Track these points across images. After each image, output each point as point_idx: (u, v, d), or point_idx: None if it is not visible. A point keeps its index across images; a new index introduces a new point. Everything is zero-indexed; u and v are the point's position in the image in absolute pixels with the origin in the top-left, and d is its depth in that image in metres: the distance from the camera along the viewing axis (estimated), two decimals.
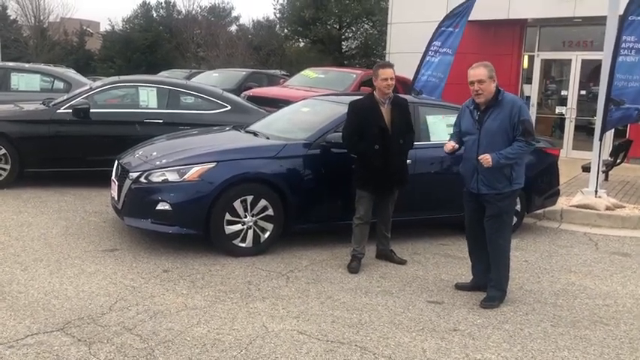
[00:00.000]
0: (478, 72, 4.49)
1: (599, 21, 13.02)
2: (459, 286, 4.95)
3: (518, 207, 6.60)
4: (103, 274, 4.74)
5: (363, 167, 5.16)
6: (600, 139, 8.07)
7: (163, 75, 17.84)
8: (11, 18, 36.27)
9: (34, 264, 4.86)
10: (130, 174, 5.40)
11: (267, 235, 5.42)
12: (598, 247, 6.52)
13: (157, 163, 5.39)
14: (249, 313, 4.15)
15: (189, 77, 15.65)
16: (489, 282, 4.72)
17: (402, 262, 5.44)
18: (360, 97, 5.42)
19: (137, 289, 4.46)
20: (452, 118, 6.35)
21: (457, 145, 4.80)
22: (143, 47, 32.76)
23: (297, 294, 4.56)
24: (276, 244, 5.54)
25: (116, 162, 5.93)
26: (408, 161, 5.67)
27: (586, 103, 13.81)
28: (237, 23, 40.40)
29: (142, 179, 5.30)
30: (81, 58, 35.70)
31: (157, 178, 5.26)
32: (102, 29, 41.43)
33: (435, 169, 6.16)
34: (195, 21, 36.79)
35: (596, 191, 8.06)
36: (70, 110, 7.51)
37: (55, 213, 6.46)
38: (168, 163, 5.34)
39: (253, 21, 39.80)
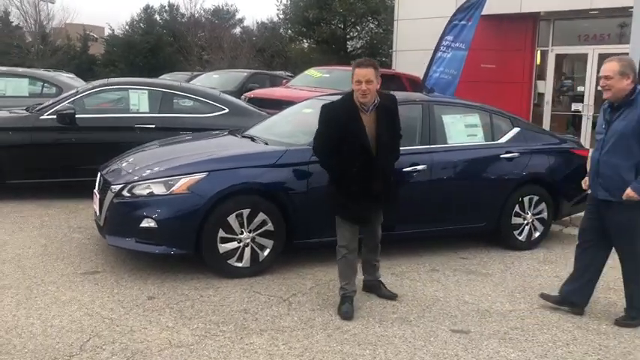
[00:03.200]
0: (608, 66, 4.01)
1: (617, 13, 12.46)
2: (545, 296, 4.51)
3: (544, 215, 6.01)
4: (79, 302, 4.15)
5: (338, 191, 4.13)
6: None
7: (165, 78, 17.30)
8: (13, 24, 35.91)
9: (1, 292, 4.28)
10: (112, 187, 4.81)
11: (266, 253, 4.81)
12: None
13: (142, 174, 4.80)
14: (244, 351, 3.54)
15: (190, 80, 15.11)
16: (628, 299, 4.23)
17: (392, 297, 4.45)
18: (337, 98, 4.33)
19: (116, 322, 3.86)
20: (470, 118, 5.81)
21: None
22: (145, 51, 32.29)
23: (301, 325, 3.95)
24: (276, 262, 4.94)
25: (99, 173, 5.35)
26: (416, 168, 5.16)
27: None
28: (241, 25, 39.96)
29: (125, 192, 4.70)
30: (84, 63, 35.27)
31: (141, 191, 4.66)
32: (106, 34, 41.07)
33: (453, 175, 5.52)
34: (199, 24, 36.32)
35: None
36: (55, 116, 6.94)
37: (35, 229, 5.88)
38: (153, 174, 4.74)
39: (257, 23, 39.30)
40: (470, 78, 11.29)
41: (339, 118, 4.06)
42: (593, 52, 13.05)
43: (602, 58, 12.96)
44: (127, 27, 37.61)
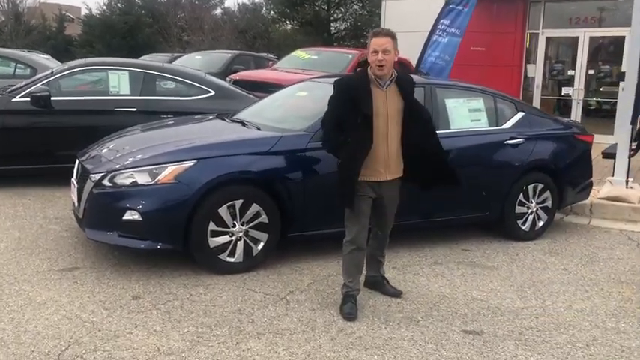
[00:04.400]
0: None
1: None
2: None
3: (548, 203, 5.75)
4: (57, 304, 3.78)
5: (343, 174, 3.73)
6: (632, 123, 7.17)
7: (145, 59, 16.71)
8: None
9: None
10: (92, 175, 4.41)
11: (260, 246, 4.47)
12: None
13: (124, 162, 4.40)
14: (240, 358, 3.22)
15: (171, 61, 14.58)
16: None
17: (397, 295, 4.15)
18: (350, 74, 4.02)
19: (97, 326, 3.50)
20: (474, 102, 5.51)
21: None
22: (123, 31, 31.38)
23: (301, 326, 3.64)
24: (271, 256, 4.61)
25: (77, 160, 4.94)
26: None
27: (594, 83, 13.00)
28: (222, 7, 39.09)
29: (106, 182, 4.32)
30: (60, 44, 34.25)
31: (123, 180, 4.28)
32: (83, 14, 39.94)
33: (457, 163, 5.12)
34: (179, 4, 35.45)
35: (627, 181, 7.19)
36: (29, 98, 6.48)
37: (8, 220, 5.46)
38: (137, 161, 4.35)
39: (239, 4, 38.56)
40: (459, 61, 10.97)
41: (349, 91, 3.73)
42: (584, 35, 12.81)
43: (593, 41, 12.81)
44: (104, 7, 36.57)
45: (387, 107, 3.71)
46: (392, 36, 3.70)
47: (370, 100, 3.68)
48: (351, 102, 3.68)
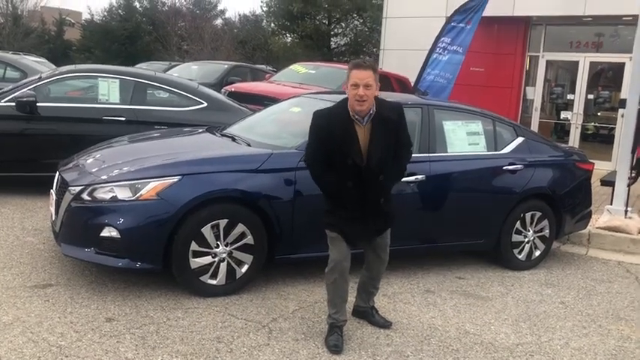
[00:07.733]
0: None
1: (610, 20, 12.17)
2: None
3: (546, 232, 5.57)
4: (24, 325, 3.55)
5: (329, 209, 3.62)
6: (633, 152, 7.03)
7: (141, 67, 16.55)
8: None
9: None
10: (70, 188, 4.20)
11: (244, 269, 4.26)
12: None
13: (105, 175, 4.19)
14: None
15: (167, 70, 14.43)
16: None
17: (386, 326, 3.94)
18: (328, 97, 3.73)
19: (64, 351, 3.27)
20: (473, 125, 5.34)
21: None
22: (122, 38, 31.33)
23: (283, 358, 3.41)
24: (256, 279, 4.40)
25: (57, 172, 4.73)
26: (416, 178, 4.68)
27: (593, 108, 12.92)
28: (223, 17, 39.17)
29: (85, 196, 4.10)
30: (58, 48, 34.15)
31: (103, 194, 4.06)
32: (83, 18, 39.92)
33: (453, 188, 5.04)
34: (179, 13, 35.49)
35: (625, 211, 7.02)
36: (14, 103, 6.28)
37: None
38: (118, 175, 4.14)
39: (239, 15, 38.62)
40: (458, 81, 10.89)
41: (329, 129, 3.46)
42: (584, 59, 12.75)
43: (593, 66, 12.73)
44: (105, 13, 36.55)
45: (365, 145, 3.47)
46: (374, 69, 3.43)
47: (357, 144, 3.43)
48: (331, 138, 3.45)
